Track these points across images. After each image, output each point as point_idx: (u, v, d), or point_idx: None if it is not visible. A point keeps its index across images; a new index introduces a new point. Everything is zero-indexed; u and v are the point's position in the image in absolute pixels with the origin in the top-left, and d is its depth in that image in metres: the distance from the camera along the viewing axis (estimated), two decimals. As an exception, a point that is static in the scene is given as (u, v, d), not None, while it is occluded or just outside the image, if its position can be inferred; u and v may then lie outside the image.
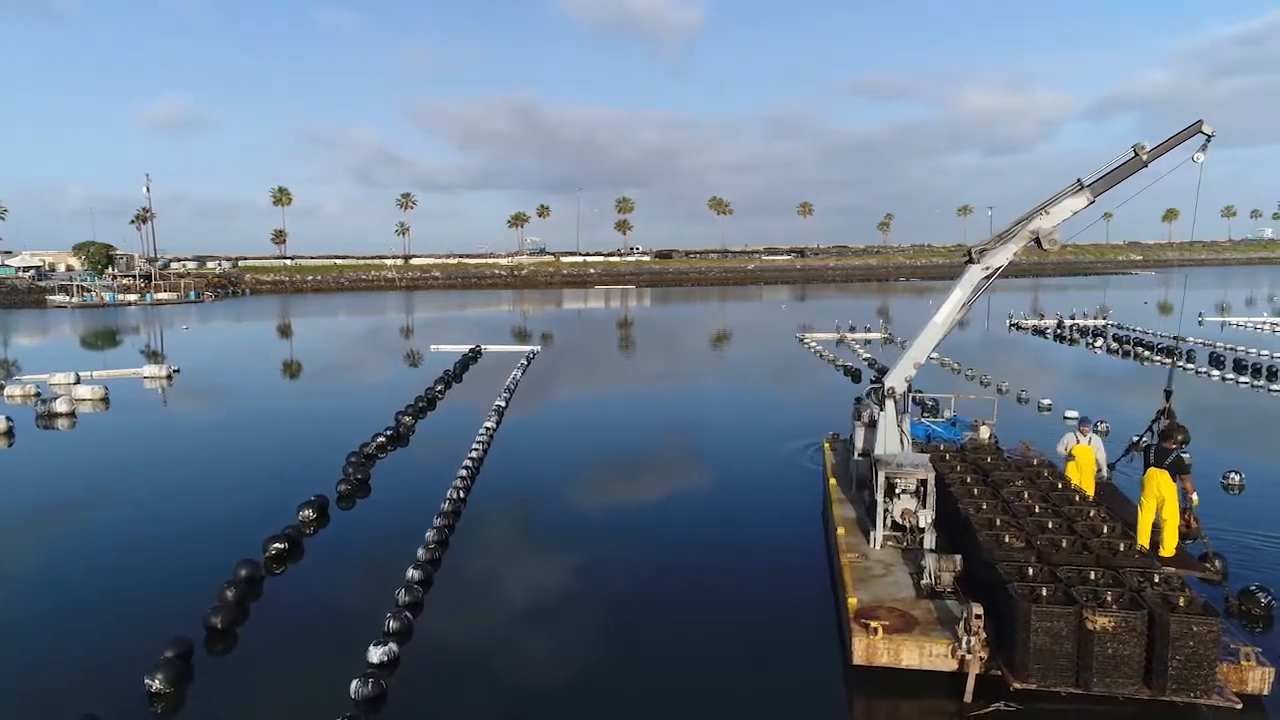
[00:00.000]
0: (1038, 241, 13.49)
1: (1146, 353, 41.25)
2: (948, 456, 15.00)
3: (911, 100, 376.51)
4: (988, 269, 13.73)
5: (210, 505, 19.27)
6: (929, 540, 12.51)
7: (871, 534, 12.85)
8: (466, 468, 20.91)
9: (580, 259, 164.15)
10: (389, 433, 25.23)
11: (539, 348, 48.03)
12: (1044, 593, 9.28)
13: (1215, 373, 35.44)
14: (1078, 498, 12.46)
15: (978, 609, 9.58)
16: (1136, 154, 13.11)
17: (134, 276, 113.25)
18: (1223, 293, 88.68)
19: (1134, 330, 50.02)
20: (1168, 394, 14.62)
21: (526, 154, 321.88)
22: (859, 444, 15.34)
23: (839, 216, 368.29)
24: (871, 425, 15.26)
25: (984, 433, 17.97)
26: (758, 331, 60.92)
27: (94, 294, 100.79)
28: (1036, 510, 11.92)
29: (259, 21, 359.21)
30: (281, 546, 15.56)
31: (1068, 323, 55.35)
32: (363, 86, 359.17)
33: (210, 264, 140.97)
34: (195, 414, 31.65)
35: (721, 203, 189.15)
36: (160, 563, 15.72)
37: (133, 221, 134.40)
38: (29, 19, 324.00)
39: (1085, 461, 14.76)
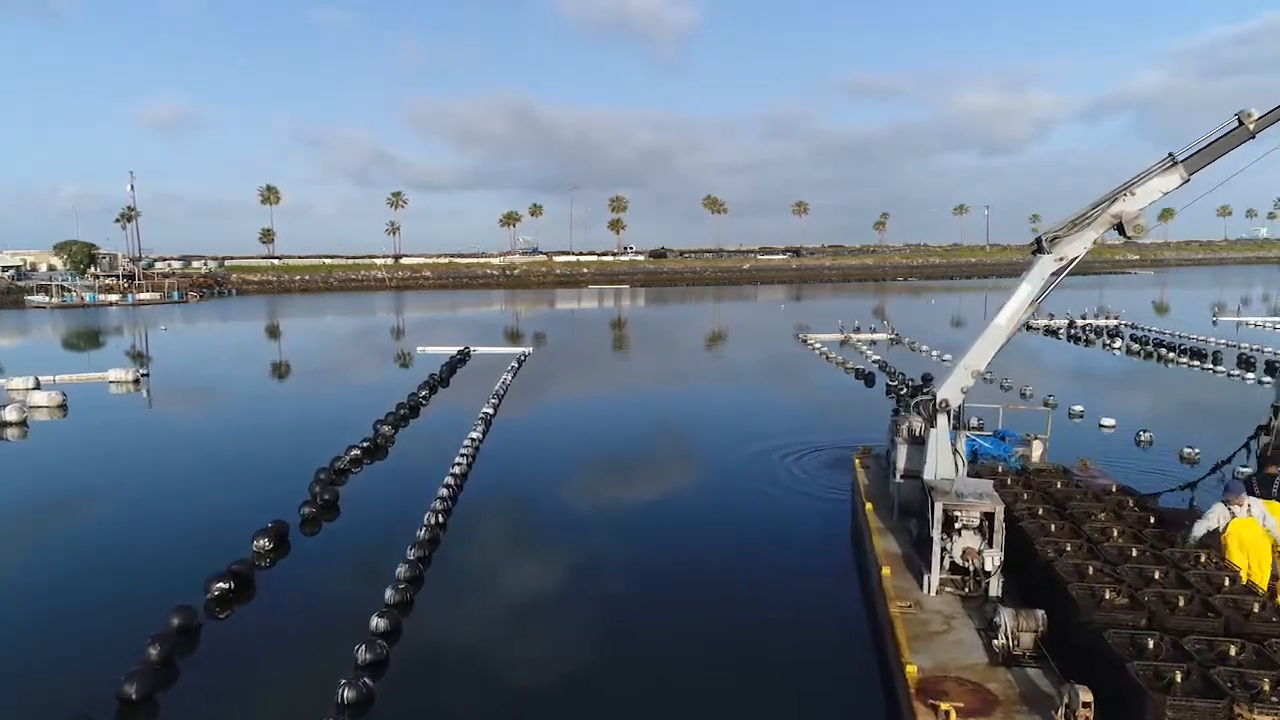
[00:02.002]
0: (1120, 228, 11.39)
1: (1170, 354, 39.23)
2: (1009, 481, 12.85)
3: (907, 100, 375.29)
4: (1061, 260, 11.61)
5: (155, 532, 17.02)
6: (995, 586, 10.38)
7: (925, 577, 10.71)
8: (448, 486, 18.71)
9: (574, 258, 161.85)
10: (365, 445, 23.03)
11: (530, 349, 45.82)
12: (1177, 678, 7.14)
13: (1250, 376, 33.44)
14: (1179, 538, 10.31)
15: (1086, 694, 7.47)
16: (1241, 123, 10.97)
17: (117, 276, 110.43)
18: (1218, 292, 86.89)
19: (1151, 330, 48.03)
20: (1276, 410, 12.46)
21: (521, 154, 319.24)
22: (901, 463, 13.19)
23: (835, 216, 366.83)
24: (916, 442, 13.12)
25: (1036, 449, 15.87)
26: (758, 332, 58.81)
27: (74, 294, 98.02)
28: (1133, 554, 9.77)
29: (254, 21, 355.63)
30: (226, 586, 13.33)
31: (1080, 323, 53.37)
32: (357, 86, 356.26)
33: (196, 263, 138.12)
34: (158, 423, 29.39)
35: (716, 202, 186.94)
36: (79, 607, 13.39)
37: (117, 220, 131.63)
38: (27, 18, 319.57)
39: (1253, 541, 9.88)
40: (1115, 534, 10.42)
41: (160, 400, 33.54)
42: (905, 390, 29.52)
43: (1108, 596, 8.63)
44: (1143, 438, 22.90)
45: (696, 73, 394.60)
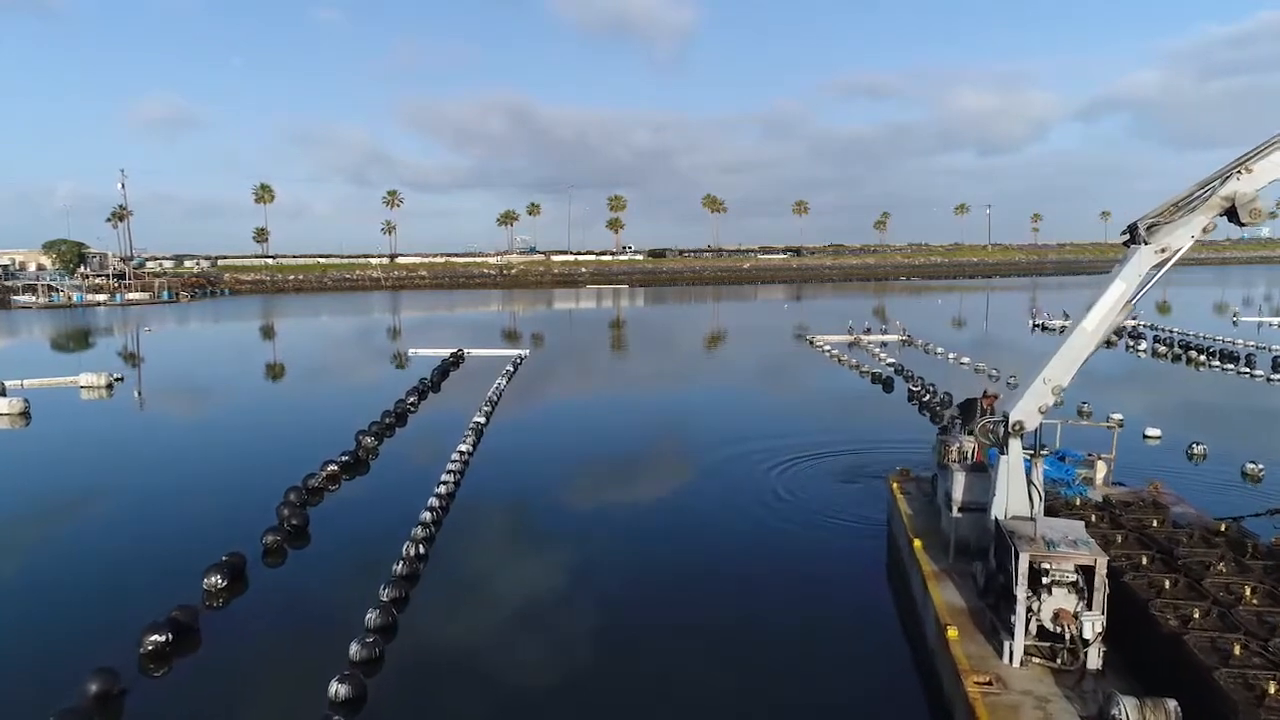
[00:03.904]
0: (1231, 213, 9.43)
1: (1200, 357, 37.26)
2: (1093, 518, 10.81)
3: (904, 101, 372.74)
4: (1163, 251, 9.61)
5: (93, 567, 14.90)
6: (1095, 658, 8.37)
7: (1007, 644, 8.69)
8: (432, 509, 16.69)
9: (572, 258, 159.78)
10: (344, 459, 21.00)
11: (527, 351, 43.74)
12: None
13: (1291, 381, 31.49)
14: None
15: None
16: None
17: (107, 276, 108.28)
18: (1221, 291, 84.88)
19: (1174, 332, 46.02)
20: None
21: (519, 154, 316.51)
22: (957, 494, 11.19)
23: (835, 216, 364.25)
24: (976, 470, 11.14)
25: (1099, 471, 13.89)
26: (763, 333, 56.76)
27: (61, 294, 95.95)
28: (1281, 624, 7.77)
29: (253, 21, 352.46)
30: (162, 639, 11.30)
31: (1097, 323, 51.38)
32: (354, 86, 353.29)
33: (188, 263, 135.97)
34: (123, 433, 27.26)
35: (716, 201, 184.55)
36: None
37: (109, 219, 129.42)
38: (25, 16, 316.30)
39: None
40: (1247, 593, 8.41)
41: (131, 407, 31.51)
42: (950, 404, 27.34)
43: (1272, 691, 6.63)
44: (1195, 451, 20.93)
45: (695, 73, 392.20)
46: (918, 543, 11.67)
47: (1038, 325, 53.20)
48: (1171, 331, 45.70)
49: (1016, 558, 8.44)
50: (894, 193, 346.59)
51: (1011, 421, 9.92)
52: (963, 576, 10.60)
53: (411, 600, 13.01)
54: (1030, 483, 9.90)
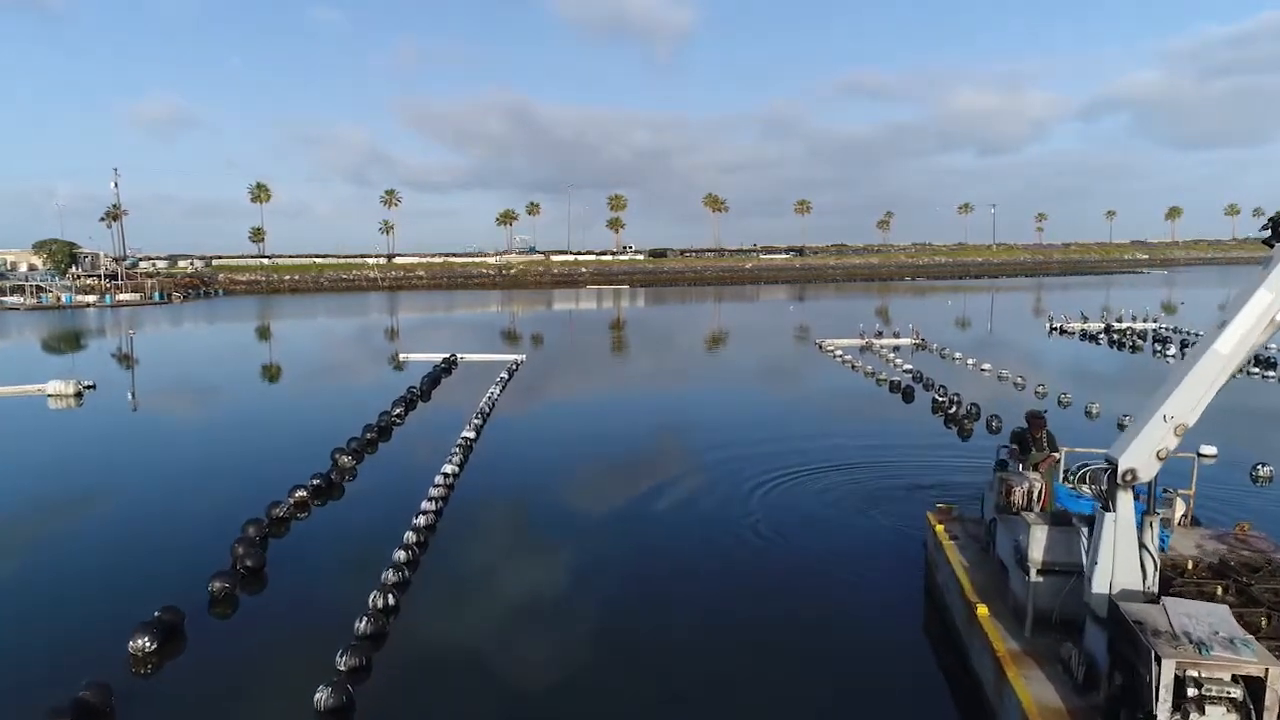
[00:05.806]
0: None
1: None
2: (1219, 590, 8.66)
3: (906, 101, 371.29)
4: (1324, 254, 7.55)
5: (14, 624, 12.77)
6: (1262, 799, 6.28)
7: (1134, 775, 6.60)
8: (407, 547, 14.58)
9: (572, 258, 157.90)
10: (316, 482, 18.90)
11: (523, 356, 41.62)
12: None
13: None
14: None
15: None
16: None
17: (98, 276, 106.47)
18: (1227, 292, 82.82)
19: (1201, 335, 43.88)
20: None
21: (518, 154, 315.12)
22: (1036, 553, 9.04)
23: (837, 215, 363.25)
24: (1060, 523, 9.02)
25: (1178, 509, 11.80)
26: (770, 337, 54.66)
27: (50, 294, 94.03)
28: None
29: (249, 22, 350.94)
30: (62, 730, 9.21)
31: (1118, 326, 49.36)
32: (354, 86, 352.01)
33: (183, 263, 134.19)
34: (83, 449, 25.07)
35: (717, 200, 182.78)
36: None
37: (103, 219, 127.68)
38: (20, 15, 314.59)
39: None
40: None
41: (96, 420, 29.37)
42: (979, 415, 25.18)
43: None
44: (1261, 473, 18.83)
45: (694, 73, 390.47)
46: (983, 609, 9.54)
47: (1055, 329, 51.08)
48: (1200, 335, 43.59)
49: (1157, 663, 6.33)
50: (895, 192, 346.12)
51: (1121, 470, 7.81)
52: (1048, 660, 8.48)
53: (374, 667, 10.91)
54: (1143, 546, 7.79)
